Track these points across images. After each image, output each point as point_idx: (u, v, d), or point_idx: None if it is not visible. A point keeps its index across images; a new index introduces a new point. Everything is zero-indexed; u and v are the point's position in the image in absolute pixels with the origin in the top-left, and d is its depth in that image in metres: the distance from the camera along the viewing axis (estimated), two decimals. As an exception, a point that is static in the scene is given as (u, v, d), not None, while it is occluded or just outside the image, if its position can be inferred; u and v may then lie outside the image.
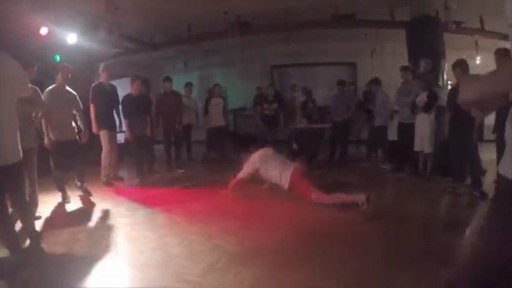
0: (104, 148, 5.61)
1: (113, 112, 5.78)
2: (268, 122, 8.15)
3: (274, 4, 7.40)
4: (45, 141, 4.51)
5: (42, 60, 6.87)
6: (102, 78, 5.72)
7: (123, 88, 10.79)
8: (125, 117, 6.10)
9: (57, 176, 4.70)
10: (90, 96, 5.47)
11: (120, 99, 6.09)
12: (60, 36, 6.92)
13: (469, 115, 4.64)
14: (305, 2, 7.35)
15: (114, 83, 6.10)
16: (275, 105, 8.02)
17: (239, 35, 8.20)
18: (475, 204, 4.42)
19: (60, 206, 4.60)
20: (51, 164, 4.65)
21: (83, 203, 4.76)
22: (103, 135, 5.56)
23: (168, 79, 7.23)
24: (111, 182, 5.76)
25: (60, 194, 4.75)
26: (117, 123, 6.01)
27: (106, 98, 5.59)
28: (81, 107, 4.90)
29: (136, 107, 6.09)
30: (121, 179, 6.06)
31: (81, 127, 4.88)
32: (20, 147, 2.76)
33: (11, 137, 2.67)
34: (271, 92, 8.20)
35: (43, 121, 4.44)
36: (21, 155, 2.77)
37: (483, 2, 6.93)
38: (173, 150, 7.31)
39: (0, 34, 2.93)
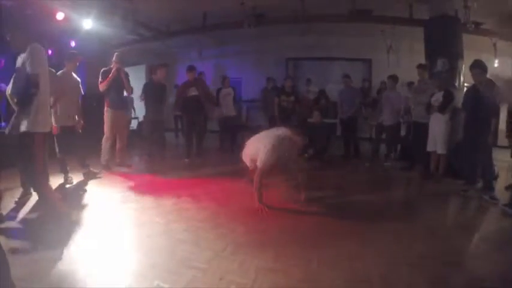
0: (105, 132, 5.67)
1: (120, 96, 5.78)
2: (285, 115, 8.00)
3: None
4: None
5: (59, 45, 6.97)
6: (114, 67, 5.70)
7: (137, 75, 10.89)
8: (144, 102, 6.30)
9: (61, 159, 4.86)
10: (100, 79, 5.53)
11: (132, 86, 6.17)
12: (76, 21, 7.00)
13: (485, 118, 4.56)
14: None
15: (127, 70, 6.14)
16: (292, 97, 7.89)
17: (255, 26, 8.17)
18: (484, 209, 4.36)
19: (67, 189, 4.67)
20: (56, 147, 4.80)
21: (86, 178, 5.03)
22: (107, 115, 5.65)
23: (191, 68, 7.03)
24: (110, 167, 5.77)
25: (63, 175, 4.89)
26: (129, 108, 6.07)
27: (114, 83, 5.58)
28: (82, 94, 5.12)
29: (155, 93, 6.25)
30: (129, 166, 6.07)
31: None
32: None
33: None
34: (289, 84, 8.05)
35: (52, 105, 4.61)
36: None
37: (504, 3, 6.78)
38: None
39: (18, 20, 3.09)
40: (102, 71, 5.63)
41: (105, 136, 5.69)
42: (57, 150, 4.80)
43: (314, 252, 2.79)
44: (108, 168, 5.72)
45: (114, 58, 5.73)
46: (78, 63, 4.96)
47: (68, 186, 4.79)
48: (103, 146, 5.72)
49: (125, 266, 2.54)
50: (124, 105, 5.89)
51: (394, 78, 6.78)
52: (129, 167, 5.98)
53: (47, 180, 3.19)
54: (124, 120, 5.94)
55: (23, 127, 2.93)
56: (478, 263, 2.78)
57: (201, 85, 6.95)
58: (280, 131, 3.99)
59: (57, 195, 3.15)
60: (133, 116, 8.22)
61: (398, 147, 7.45)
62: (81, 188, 4.74)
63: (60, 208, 3.12)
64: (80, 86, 5.04)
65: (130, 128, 9.10)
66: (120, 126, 5.81)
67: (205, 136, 7.51)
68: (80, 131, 5.06)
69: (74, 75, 4.96)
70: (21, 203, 3.79)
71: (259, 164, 3.86)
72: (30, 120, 2.94)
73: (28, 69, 2.88)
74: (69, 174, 4.94)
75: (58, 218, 3.08)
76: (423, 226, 3.61)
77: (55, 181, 4.77)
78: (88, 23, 7.20)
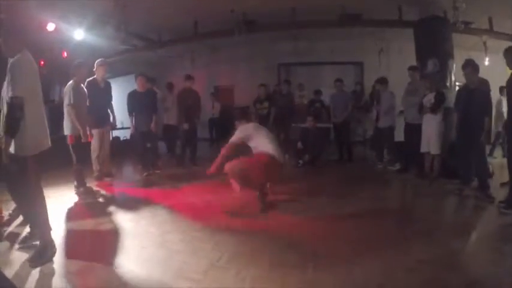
0: (92, 145, 5.50)
1: (105, 110, 5.68)
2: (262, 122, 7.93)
3: (281, 2, 7.38)
4: (69, 134, 4.72)
5: (50, 56, 6.94)
6: (98, 74, 5.53)
7: (130, 85, 10.86)
8: (130, 113, 6.18)
9: (79, 169, 4.81)
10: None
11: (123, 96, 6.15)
12: (67, 32, 6.97)
13: (478, 117, 4.58)
14: (312, 1, 7.32)
15: (120, 80, 6.13)
16: (266, 103, 7.88)
17: (246, 33, 8.18)
18: (481, 207, 4.38)
19: (81, 199, 4.64)
20: (73, 157, 4.75)
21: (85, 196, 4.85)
22: (94, 134, 5.47)
23: (189, 77, 7.10)
24: (103, 177, 5.71)
25: (75, 184, 4.84)
26: (111, 119, 5.87)
27: (98, 95, 5.44)
28: (88, 104, 5.06)
29: (141, 103, 6.13)
30: (111, 175, 5.98)
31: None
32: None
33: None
34: (262, 91, 8.04)
35: (73, 115, 4.61)
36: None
37: (492, 2, 6.85)
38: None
39: (8, 30, 2.97)
40: (87, 81, 5.33)
41: (92, 148, 5.53)
42: (74, 160, 4.76)
43: (310, 259, 2.77)
44: (100, 179, 5.65)
45: (96, 65, 5.51)
46: (87, 72, 4.88)
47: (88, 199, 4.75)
48: (92, 158, 5.61)
49: (120, 278, 2.51)
50: (108, 120, 5.75)
51: (382, 82, 6.79)
52: (112, 177, 5.93)
53: (44, 203, 2.98)
54: (109, 135, 5.92)
55: (12, 150, 2.68)
56: (476, 265, 2.78)
57: (193, 98, 7.00)
58: None
59: (47, 222, 2.95)
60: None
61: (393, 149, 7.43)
62: (75, 200, 4.69)
63: (48, 233, 2.89)
64: (86, 96, 4.99)
65: (123, 139, 9.13)
66: (106, 141, 5.76)
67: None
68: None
69: (82, 85, 4.88)
70: (14, 216, 3.75)
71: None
72: (22, 142, 2.70)
73: (9, 90, 2.60)
74: (87, 185, 4.90)
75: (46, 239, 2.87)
76: (420, 229, 3.60)
77: (56, 193, 4.77)
78: (79, 34, 7.18)
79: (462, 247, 3.15)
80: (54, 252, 2.81)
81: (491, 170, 5.39)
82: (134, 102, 6.18)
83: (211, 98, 10.66)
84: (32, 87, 2.80)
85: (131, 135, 6.68)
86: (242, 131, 4.40)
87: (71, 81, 4.74)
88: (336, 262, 2.73)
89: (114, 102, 5.95)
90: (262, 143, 4.28)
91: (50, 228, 2.93)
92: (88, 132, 4.94)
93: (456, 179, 5.10)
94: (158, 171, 6.42)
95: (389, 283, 2.42)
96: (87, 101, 5.08)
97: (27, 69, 2.77)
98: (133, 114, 6.20)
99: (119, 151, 7.85)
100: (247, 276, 2.49)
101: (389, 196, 5.14)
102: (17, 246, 3.05)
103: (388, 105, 6.60)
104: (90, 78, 5.46)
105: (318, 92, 8.85)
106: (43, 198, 2.92)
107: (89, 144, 4.94)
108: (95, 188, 5.15)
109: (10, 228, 3.48)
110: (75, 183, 4.95)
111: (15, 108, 2.58)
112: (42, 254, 2.74)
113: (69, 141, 4.74)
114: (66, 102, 4.66)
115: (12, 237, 3.26)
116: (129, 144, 8.77)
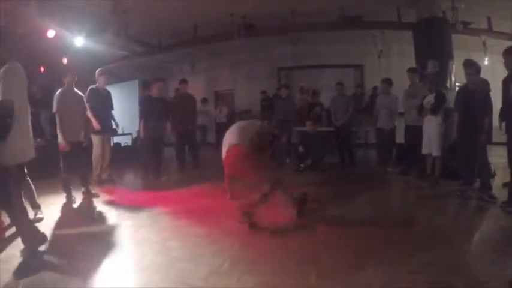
0: (94, 150, 5.68)
1: (105, 117, 5.78)
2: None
3: (280, 6, 7.39)
4: (59, 142, 4.67)
5: (50, 62, 6.97)
6: (99, 83, 5.75)
7: (130, 90, 10.91)
8: (144, 119, 6.12)
9: (65, 178, 4.77)
10: (85, 98, 5.39)
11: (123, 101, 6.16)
12: (67, 38, 7.02)
13: (478, 117, 4.56)
14: (311, 4, 7.33)
15: (119, 85, 6.16)
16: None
17: (245, 37, 8.21)
18: (483, 208, 4.34)
19: (65, 207, 4.60)
20: (61, 165, 4.73)
21: (87, 204, 4.82)
22: (94, 138, 5.63)
23: (183, 81, 7.06)
24: (103, 181, 5.81)
25: (65, 195, 4.78)
26: (114, 126, 6.08)
27: (99, 102, 5.64)
28: (87, 109, 5.11)
29: (155, 109, 6.10)
30: (112, 180, 6.02)
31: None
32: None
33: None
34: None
35: (58, 123, 4.62)
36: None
37: (491, 2, 6.86)
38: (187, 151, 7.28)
39: (9, 37, 3.00)
40: (89, 89, 5.60)
41: (94, 152, 5.69)
42: (61, 168, 4.74)
43: (312, 264, 2.74)
44: (101, 183, 5.73)
45: (97, 74, 5.73)
46: (75, 77, 4.84)
47: (72, 206, 4.72)
48: (94, 162, 5.75)
49: (120, 285, 2.48)
50: (108, 128, 5.90)
51: (388, 82, 6.73)
52: (113, 183, 5.96)
53: (26, 213, 3.06)
54: (110, 141, 6.03)
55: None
56: (480, 266, 2.74)
57: (190, 103, 7.01)
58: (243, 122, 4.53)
59: (33, 231, 3.01)
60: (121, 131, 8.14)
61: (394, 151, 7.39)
62: (76, 205, 4.70)
63: (34, 243, 2.91)
64: (84, 101, 5.01)
65: (124, 144, 9.12)
66: (107, 148, 5.88)
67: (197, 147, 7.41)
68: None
69: (76, 90, 4.87)
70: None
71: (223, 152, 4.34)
72: (6, 152, 2.67)
73: None
74: (73, 194, 4.84)
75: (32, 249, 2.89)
76: (423, 231, 3.57)
77: (57, 200, 4.76)
78: (79, 41, 7.22)
79: (466, 249, 3.11)
80: (42, 264, 2.77)
81: (493, 170, 5.37)
82: (149, 107, 6.13)
83: (218, 103, 10.64)
84: (20, 97, 2.83)
85: (134, 141, 6.65)
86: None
87: (59, 89, 4.74)
88: (339, 267, 2.70)
89: (114, 109, 6.03)
90: (226, 140, 4.35)
91: (36, 238, 2.94)
92: (84, 137, 4.95)
93: (458, 180, 5.09)
94: (164, 178, 6.38)
95: (392, 286, 2.39)
96: (87, 106, 5.15)
97: (18, 78, 2.81)
98: (144, 120, 6.12)
99: (120, 157, 7.83)
100: (249, 282, 2.46)
101: (390, 198, 5.12)
102: (19, 254, 3.03)
103: (388, 107, 6.58)
104: (93, 86, 5.66)
105: (315, 93, 8.80)
106: (24, 208, 2.97)
107: (77, 151, 4.86)
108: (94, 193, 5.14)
109: (7, 234, 3.47)
110: (83, 189, 4.99)
111: (5, 111, 2.61)
112: (28, 265, 2.70)
113: (60, 148, 4.72)
114: (53, 109, 4.70)
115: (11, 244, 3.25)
116: (130, 150, 8.77)
